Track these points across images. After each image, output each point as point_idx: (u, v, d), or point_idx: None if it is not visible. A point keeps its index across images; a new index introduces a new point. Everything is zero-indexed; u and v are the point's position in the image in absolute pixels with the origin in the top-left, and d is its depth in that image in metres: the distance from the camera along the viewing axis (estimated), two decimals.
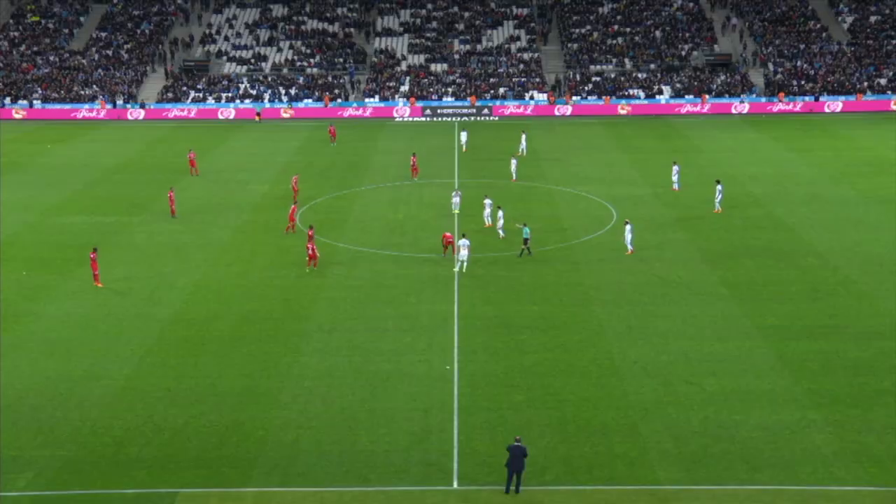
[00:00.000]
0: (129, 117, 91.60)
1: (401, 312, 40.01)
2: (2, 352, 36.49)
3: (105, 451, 29.34)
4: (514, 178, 62.86)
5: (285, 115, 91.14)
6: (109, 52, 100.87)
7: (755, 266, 45.21)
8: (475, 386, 33.18)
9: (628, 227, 47.28)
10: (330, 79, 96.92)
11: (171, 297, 42.15)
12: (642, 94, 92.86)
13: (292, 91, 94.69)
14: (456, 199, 54.81)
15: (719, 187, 54.57)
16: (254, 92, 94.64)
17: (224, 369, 34.79)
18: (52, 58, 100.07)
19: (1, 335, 38.03)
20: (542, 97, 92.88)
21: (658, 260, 46.28)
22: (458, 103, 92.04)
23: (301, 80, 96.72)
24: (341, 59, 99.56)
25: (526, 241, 46.57)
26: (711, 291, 41.96)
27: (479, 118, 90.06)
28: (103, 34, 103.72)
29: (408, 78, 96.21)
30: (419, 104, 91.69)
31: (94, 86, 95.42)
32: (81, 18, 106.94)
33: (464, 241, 44.72)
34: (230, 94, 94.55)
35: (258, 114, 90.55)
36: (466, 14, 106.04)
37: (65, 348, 36.83)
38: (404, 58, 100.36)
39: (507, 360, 35.19)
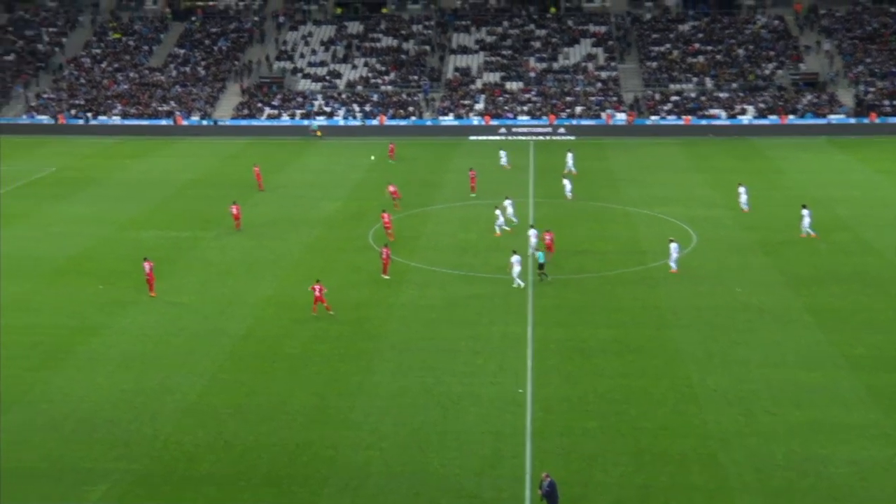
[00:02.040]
0: (204, 133, 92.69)
1: (473, 333, 39.42)
2: (79, 364, 36.91)
3: (177, 466, 29.34)
4: (569, 196, 61.79)
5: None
6: (187, 69, 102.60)
7: (842, 292, 43.56)
8: (548, 411, 32.42)
9: (673, 245, 46.21)
10: (404, 96, 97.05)
11: (243, 313, 42.21)
12: (724, 115, 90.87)
13: (367, 108, 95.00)
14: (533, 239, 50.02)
15: (805, 212, 52.77)
16: (328, 109, 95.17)
17: (295, 387, 34.60)
18: (131, 74, 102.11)
19: (78, 348, 38.48)
20: (620, 116, 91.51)
21: (738, 284, 44.95)
22: (534, 122, 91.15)
23: (375, 97, 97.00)
24: (416, 77, 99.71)
25: (542, 265, 45.70)
26: (796, 318, 40.50)
27: (555, 137, 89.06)
28: (181, 51, 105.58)
29: (483, 96, 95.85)
30: (493, 122, 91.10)
31: (172, 101, 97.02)
32: (161, 36, 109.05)
33: (516, 258, 44.55)
34: (304, 111, 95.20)
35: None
36: (543, 32, 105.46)
37: (139, 362, 37.07)
38: (480, 75, 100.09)
39: (582, 385, 34.36)
